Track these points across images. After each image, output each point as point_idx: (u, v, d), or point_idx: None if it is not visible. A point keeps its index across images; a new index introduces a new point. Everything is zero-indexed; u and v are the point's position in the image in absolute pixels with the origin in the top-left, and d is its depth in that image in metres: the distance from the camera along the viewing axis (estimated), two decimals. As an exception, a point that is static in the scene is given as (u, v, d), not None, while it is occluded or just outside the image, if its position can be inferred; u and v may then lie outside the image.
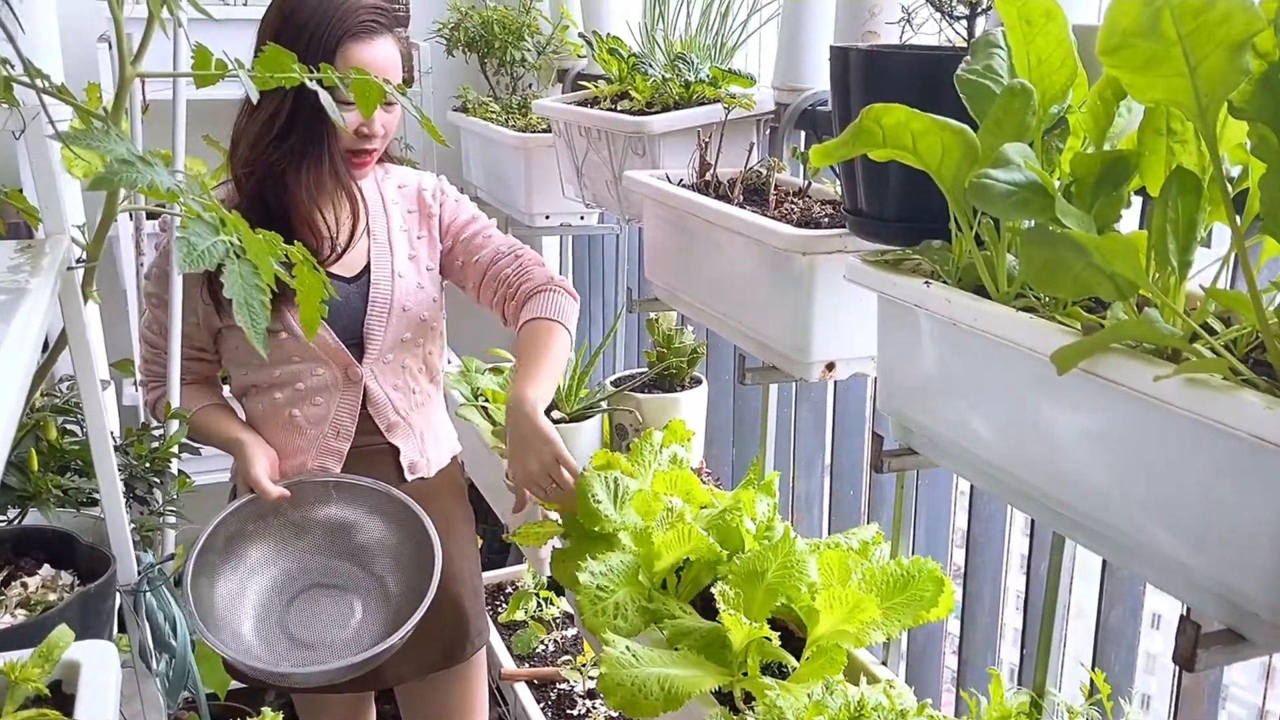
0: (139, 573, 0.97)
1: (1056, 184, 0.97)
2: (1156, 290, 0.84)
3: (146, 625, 0.99)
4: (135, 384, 2.14)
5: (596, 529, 1.62)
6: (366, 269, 1.77)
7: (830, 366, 1.38)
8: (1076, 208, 0.90)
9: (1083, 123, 0.96)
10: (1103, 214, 0.92)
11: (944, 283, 1.03)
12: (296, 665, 1.55)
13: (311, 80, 0.95)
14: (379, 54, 1.63)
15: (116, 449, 1.64)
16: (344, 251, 1.74)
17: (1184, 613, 0.80)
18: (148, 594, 0.97)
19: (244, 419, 1.82)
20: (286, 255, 1.03)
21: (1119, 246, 0.81)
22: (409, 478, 1.82)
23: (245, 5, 2.71)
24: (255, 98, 0.91)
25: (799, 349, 1.36)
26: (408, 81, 1.89)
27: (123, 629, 1.22)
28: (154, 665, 1.02)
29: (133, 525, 1.54)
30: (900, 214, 1.15)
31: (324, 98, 0.93)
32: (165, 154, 2.08)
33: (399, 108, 1.67)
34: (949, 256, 1.06)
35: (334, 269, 1.74)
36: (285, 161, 1.63)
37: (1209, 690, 1.32)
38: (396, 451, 1.81)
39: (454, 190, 1.90)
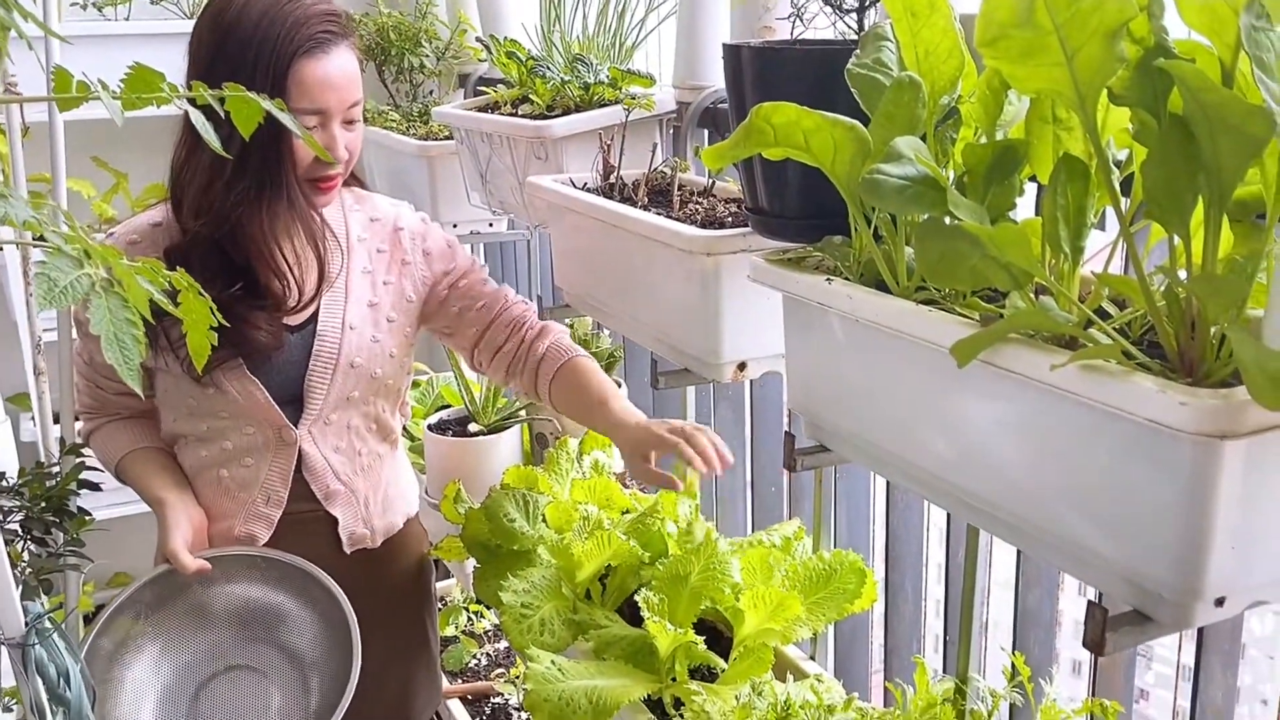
0: (26, 624, 0.92)
1: (950, 176, 0.97)
2: (1051, 279, 0.85)
3: (38, 679, 0.94)
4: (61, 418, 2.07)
5: (515, 547, 1.59)
6: (314, 317, 1.57)
7: (742, 367, 1.37)
8: (970, 199, 0.90)
9: (973, 113, 0.97)
10: (996, 204, 0.92)
11: (845, 279, 1.03)
12: None
13: (182, 100, 0.90)
14: (336, 67, 1.44)
15: (10, 490, 1.57)
16: (314, 297, 1.55)
17: (1093, 598, 0.80)
18: (37, 646, 0.92)
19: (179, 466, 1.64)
20: (170, 283, 0.98)
21: (1011, 237, 0.81)
22: (348, 550, 1.65)
23: (127, 20, 2.63)
24: (119, 121, 0.86)
25: (710, 351, 1.35)
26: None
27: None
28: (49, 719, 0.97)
29: (30, 570, 1.47)
30: (801, 211, 1.15)
31: (196, 117, 0.88)
32: (45, 177, 2.00)
33: (362, 125, 1.53)
34: (849, 252, 1.06)
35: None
36: (242, 202, 1.44)
37: (1124, 656, 1.34)
38: (335, 522, 1.63)
39: (438, 231, 1.70)
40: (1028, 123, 0.90)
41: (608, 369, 2.23)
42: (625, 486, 1.92)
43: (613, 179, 1.66)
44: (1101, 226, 0.92)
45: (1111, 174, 0.82)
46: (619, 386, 2.22)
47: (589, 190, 1.67)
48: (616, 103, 1.78)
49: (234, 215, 1.45)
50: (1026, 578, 1.41)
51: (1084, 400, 0.76)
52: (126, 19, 2.62)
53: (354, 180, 1.65)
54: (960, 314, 0.90)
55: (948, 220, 0.88)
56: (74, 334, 1.74)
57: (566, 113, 1.82)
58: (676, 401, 1.94)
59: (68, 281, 0.71)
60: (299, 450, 1.59)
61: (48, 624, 0.94)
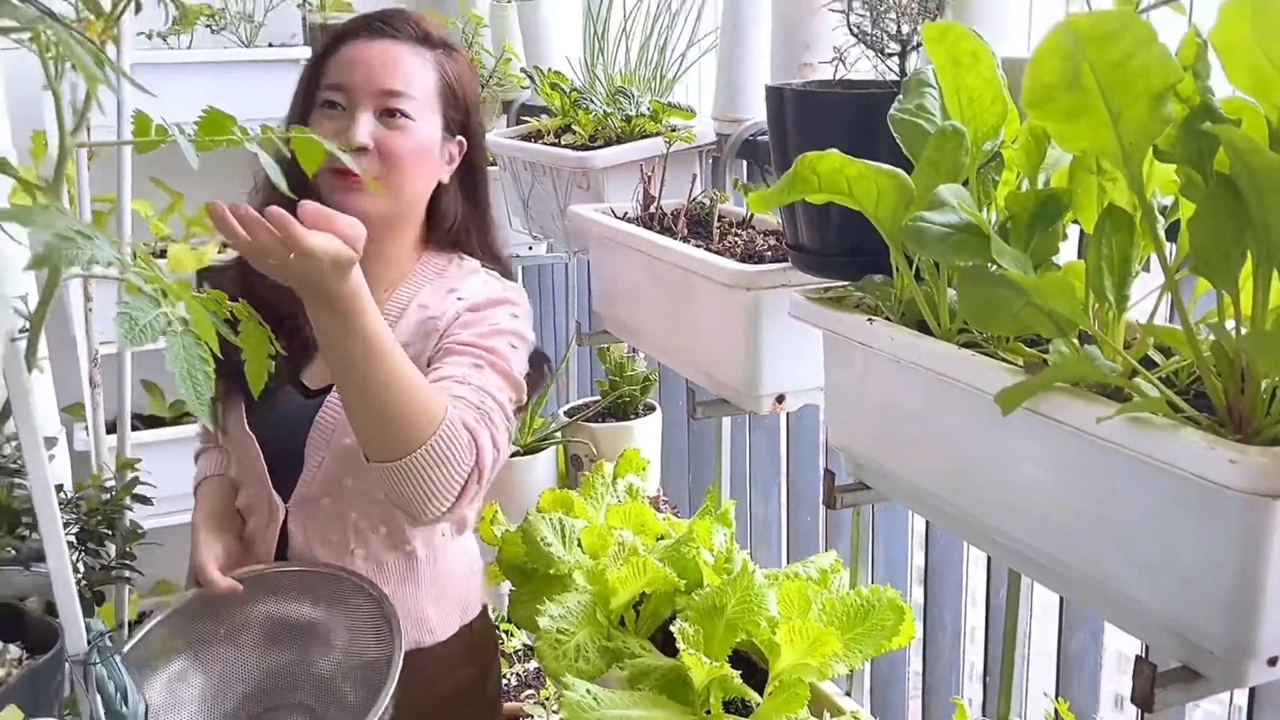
0: (89, 642, 0.95)
1: (992, 220, 0.98)
2: (1095, 326, 0.86)
3: (98, 696, 0.97)
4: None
5: (550, 571, 1.61)
6: (332, 385, 1.37)
7: (780, 399, 1.38)
8: (1013, 245, 0.91)
9: (1016, 158, 0.98)
10: (1039, 250, 0.93)
11: (887, 319, 1.04)
12: None
13: (252, 143, 0.93)
14: (377, 50, 1.36)
15: (67, 503, 1.60)
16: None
17: (1141, 653, 0.80)
18: (97, 665, 0.95)
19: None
20: (231, 313, 1.01)
21: (1055, 286, 0.82)
22: None
23: (189, 49, 2.70)
24: (194, 163, 0.89)
25: (749, 383, 1.36)
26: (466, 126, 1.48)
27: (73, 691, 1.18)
28: (105, 739, 1.00)
29: (84, 581, 1.49)
30: (841, 249, 1.16)
31: (266, 161, 0.91)
32: (110, 198, 2.05)
33: (417, 126, 1.36)
34: (891, 292, 1.07)
35: (302, 376, 1.42)
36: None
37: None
38: None
39: (497, 313, 1.40)
40: (1071, 171, 0.91)
41: (643, 392, 2.25)
42: (658, 511, 1.93)
43: (653, 209, 1.68)
44: (1146, 268, 0.93)
45: (1156, 223, 0.83)
46: (653, 409, 2.24)
47: (629, 220, 1.69)
48: (657, 134, 1.81)
49: None
50: (1069, 623, 1.40)
51: (1130, 452, 0.76)
52: (188, 48, 2.71)
53: (487, 248, 1.51)
54: (1003, 358, 0.91)
55: (991, 266, 0.89)
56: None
57: (608, 143, 1.85)
58: (711, 430, 1.95)
59: (147, 320, 0.74)
60: (284, 530, 1.44)
61: (108, 642, 0.97)
